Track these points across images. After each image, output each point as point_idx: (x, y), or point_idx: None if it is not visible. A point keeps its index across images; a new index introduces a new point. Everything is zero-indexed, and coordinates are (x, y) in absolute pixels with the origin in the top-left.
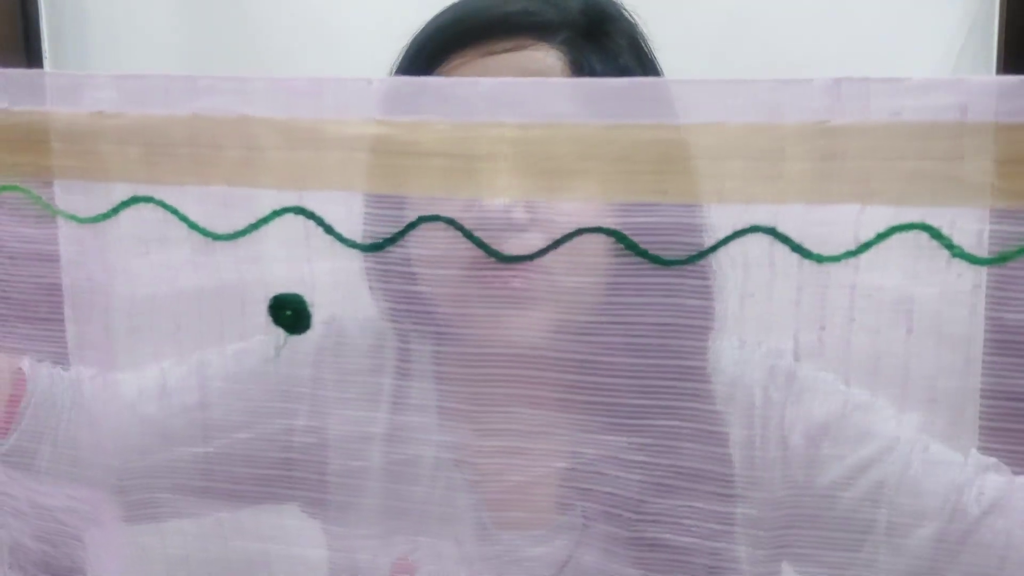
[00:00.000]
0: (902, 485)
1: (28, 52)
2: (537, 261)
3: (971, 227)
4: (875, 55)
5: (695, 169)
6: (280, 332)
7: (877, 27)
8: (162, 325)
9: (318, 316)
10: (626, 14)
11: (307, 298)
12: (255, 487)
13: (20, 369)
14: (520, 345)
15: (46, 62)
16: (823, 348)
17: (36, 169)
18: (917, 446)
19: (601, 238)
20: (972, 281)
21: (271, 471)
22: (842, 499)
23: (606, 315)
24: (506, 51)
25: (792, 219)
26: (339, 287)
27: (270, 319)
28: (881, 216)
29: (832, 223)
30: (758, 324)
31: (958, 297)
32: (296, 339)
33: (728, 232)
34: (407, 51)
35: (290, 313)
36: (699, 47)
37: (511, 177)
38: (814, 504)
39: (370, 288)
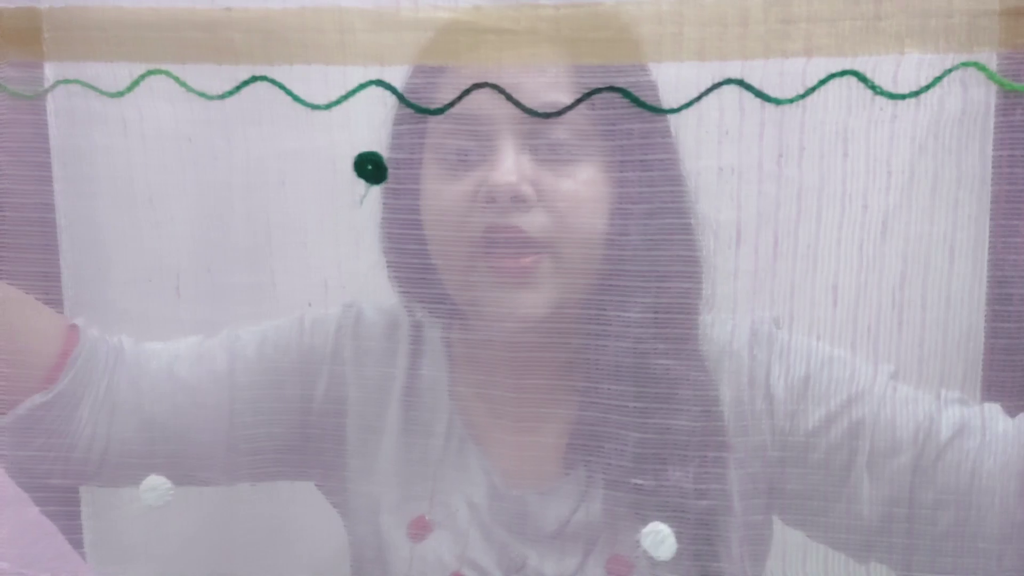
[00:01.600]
0: (878, 422)
1: None
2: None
3: (889, 71)
4: None
5: (684, 34)
6: (362, 183)
7: None
8: (270, 182)
9: (341, 299)
10: None
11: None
12: (275, 455)
13: (74, 325)
14: (527, 320)
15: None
16: (780, 172)
17: (175, 55)
18: (889, 388)
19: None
20: (891, 113)
21: (291, 440)
22: (825, 440)
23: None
24: None
25: (754, 72)
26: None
27: (354, 173)
28: (822, 66)
29: (785, 74)
30: (732, 156)
31: (881, 126)
32: (318, 317)
33: (709, 84)
34: None
35: (371, 167)
36: None
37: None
38: (800, 447)
39: (388, 268)
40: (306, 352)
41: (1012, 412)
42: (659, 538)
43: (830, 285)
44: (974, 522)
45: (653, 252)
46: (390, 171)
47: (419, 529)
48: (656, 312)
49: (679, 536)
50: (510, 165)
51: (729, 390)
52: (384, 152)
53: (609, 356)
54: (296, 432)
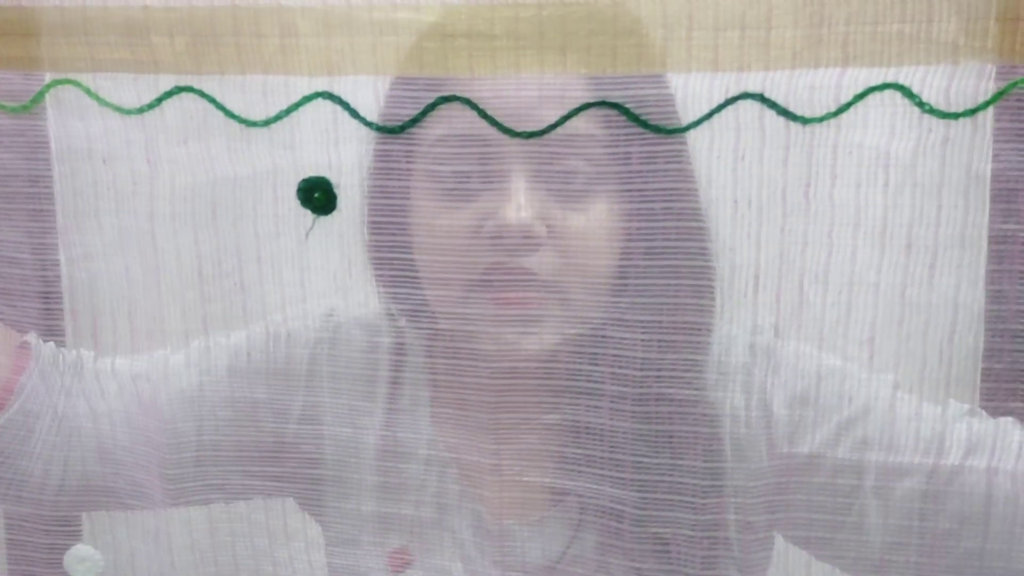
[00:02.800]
0: (883, 440)
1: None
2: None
3: (940, 84)
4: None
5: (693, 39)
6: (308, 215)
7: None
8: (201, 211)
9: (318, 309)
10: None
11: (334, 181)
12: (247, 479)
13: (26, 342)
14: (528, 359)
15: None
16: (808, 204)
17: (87, 63)
18: (895, 403)
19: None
20: (943, 135)
21: (265, 461)
22: (826, 462)
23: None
24: None
25: (779, 85)
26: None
27: (299, 201)
28: (860, 78)
29: (814, 87)
30: (750, 184)
31: (930, 150)
32: (294, 330)
33: (721, 100)
34: None
35: (319, 195)
36: None
37: (529, 54)
38: (802, 469)
39: (375, 269)
40: (281, 368)
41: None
42: None
43: (865, 339)
44: (992, 553)
45: (661, 287)
46: (375, 194)
47: (399, 563)
48: (661, 346)
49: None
50: (522, 201)
51: (727, 405)
52: (343, 175)
53: (606, 387)
54: (271, 451)
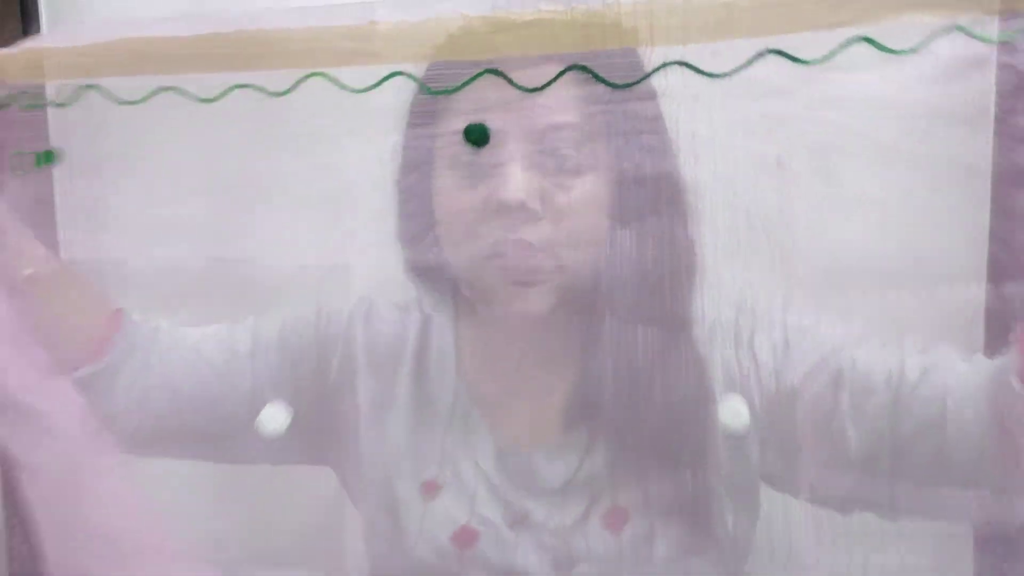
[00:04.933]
0: (855, 369)
1: None
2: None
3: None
4: None
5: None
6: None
7: None
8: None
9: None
10: None
11: None
12: (293, 432)
13: (120, 309)
14: (534, 316)
15: None
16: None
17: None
18: (862, 342)
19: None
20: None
21: (308, 417)
22: (809, 393)
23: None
24: None
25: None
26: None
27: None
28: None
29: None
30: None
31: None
32: (333, 309)
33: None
34: None
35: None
36: None
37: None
38: (787, 403)
39: (405, 262)
40: (322, 337)
41: None
42: (734, 411)
43: None
44: (950, 449)
45: (650, 247)
46: (405, 169)
47: (430, 490)
48: (651, 295)
49: (673, 507)
50: (518, 182)
51: (718, 355)
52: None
53: (604, 331)
54: (312, 409)
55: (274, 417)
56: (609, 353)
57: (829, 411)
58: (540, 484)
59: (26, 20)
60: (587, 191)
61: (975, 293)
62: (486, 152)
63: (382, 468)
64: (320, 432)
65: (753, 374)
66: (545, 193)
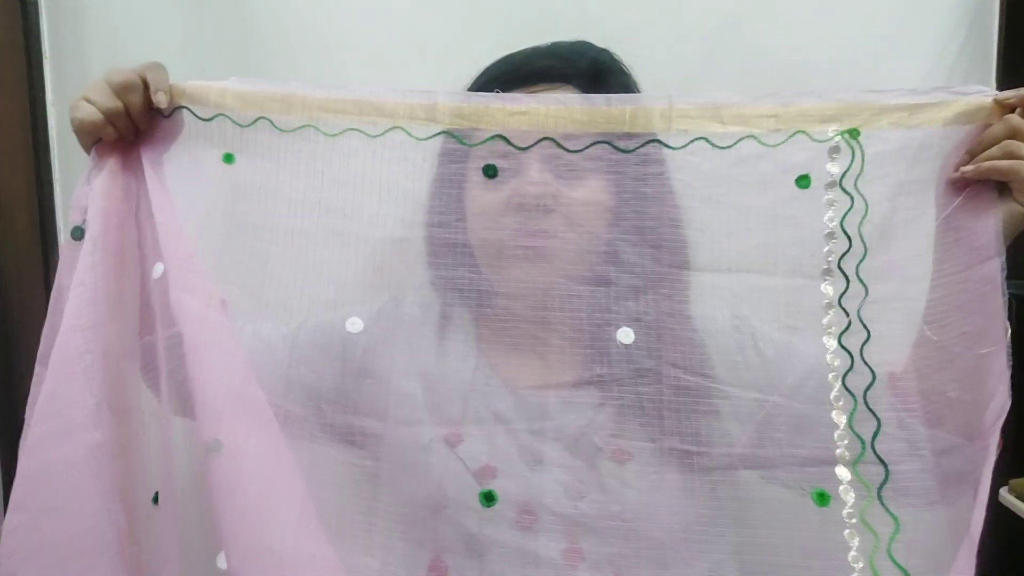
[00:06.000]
0: (824, 380)
1: (28, 52)
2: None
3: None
4: (872, 55)
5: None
6: None
7: (873, 27)
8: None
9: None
10: (623, 67)
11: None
12: (324, 406)
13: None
14: (545, 284)
15: (46, 62)
16: None
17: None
18: (830, 357)
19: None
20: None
21: (339, 391)
22: (802, 392)
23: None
24: (539, 90)
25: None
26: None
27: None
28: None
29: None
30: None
31: None
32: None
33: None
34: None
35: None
36: (691, 48)
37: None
38: (788, 396)
39: (430, 264)
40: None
41: None
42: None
43: None
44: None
45: (644, 235)
46: (440, 183)
47: (455, 439)
48: (647, 274)
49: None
50: (536, 177)
51: (723, 355)
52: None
53: (611, 304)
54: (339, 389)
55: (355, 323)
56: (611, 323)
57: (823, 402)
58: (554, 433)
59: (27, 19)
60: (592, 190)
61: None
62: (508, 161)
63: (409, 427)
64: (347, 402)
65: (760, 368)
66: (558, 191)
